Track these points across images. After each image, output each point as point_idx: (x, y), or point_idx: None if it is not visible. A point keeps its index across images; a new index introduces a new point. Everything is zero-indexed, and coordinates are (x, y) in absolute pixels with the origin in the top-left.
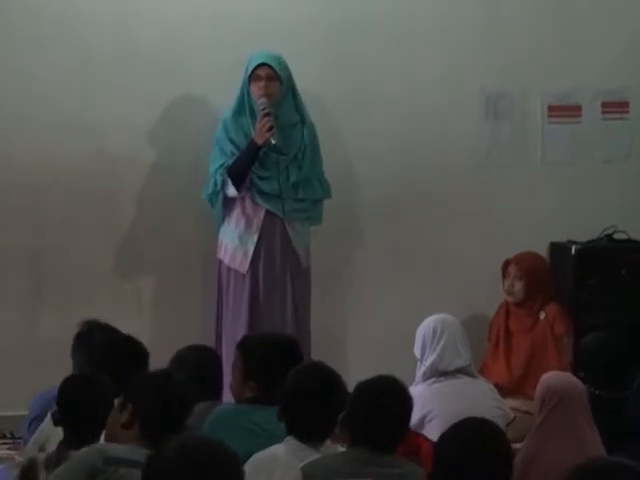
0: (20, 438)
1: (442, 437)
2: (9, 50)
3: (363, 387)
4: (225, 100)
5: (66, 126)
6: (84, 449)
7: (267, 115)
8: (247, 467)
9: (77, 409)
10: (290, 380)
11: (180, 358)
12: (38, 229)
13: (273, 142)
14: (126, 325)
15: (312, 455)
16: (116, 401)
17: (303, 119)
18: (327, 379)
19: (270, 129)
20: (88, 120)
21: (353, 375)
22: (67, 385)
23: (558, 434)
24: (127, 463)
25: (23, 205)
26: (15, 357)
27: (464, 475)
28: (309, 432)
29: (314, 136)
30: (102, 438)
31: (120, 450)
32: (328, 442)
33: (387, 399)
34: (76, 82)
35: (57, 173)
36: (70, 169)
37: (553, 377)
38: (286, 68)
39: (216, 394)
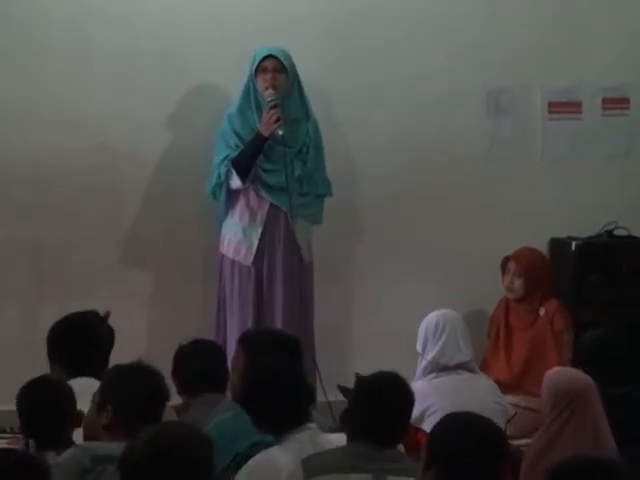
0: (21, 433)
1: (433, 431)
2: (11, 44)
3: (364, 382)
4: (227, 95)
5: (67, 121)
6: (70, 449)
7: (274, 107)
8: (244, 472)
9: (41, 415)
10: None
11: (184, 352)
12: (39, 224)
13: (280, 133)
14: (127, 320)
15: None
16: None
17: (308, 114)
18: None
19: (277, 120)
20: (89, 115)
21: (357, 369)
22: (25, 394)
23: (574, 427)
24: (115, 460)
25: (24, 200)
26: (15, 352)
27: (456, 468)
28: (275, 426)
29: (318, 132)
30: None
31: (107, 448)
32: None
33: (388, 394)
34: (77, 76)
35: (58, 168)
36: (71, 164)
37: (559, 374)
38: (292, 61)
39: (221, 387)
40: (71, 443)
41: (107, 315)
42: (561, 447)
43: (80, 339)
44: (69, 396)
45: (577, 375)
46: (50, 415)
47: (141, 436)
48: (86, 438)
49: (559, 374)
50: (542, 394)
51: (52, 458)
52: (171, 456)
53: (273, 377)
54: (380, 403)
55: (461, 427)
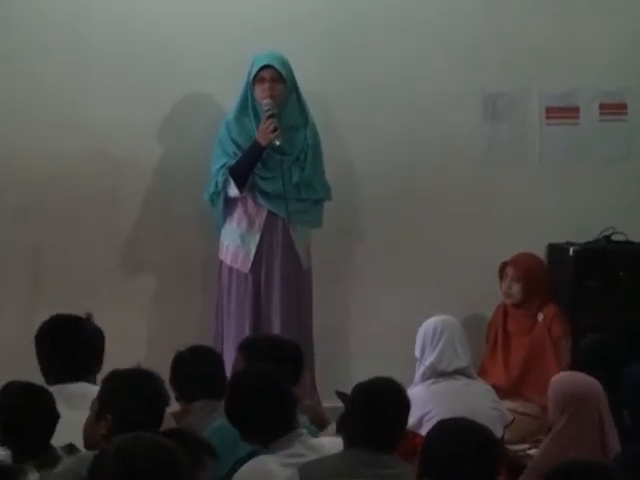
0: None
1: (428, 437)
2: (9, 48)
3: (360, 388)
4: (226, 99)
5: (66, 125)
6: (67, 460)
7: (272, 117)
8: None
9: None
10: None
11: (182, 359)
12: (38, 228)
13: (277, 143)
14: (126, 324)
15: (302, 459)
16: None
17: (306, 120)
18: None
19: (274, 130)
20: (88, 119)
21: (355, 374)
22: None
23: (581, 433)
24: None
25: (23, 204)
26: (14, 355)
27: (451, 475)
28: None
29: (317, 137)
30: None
31: None
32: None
33: (384, 400)
34: (76, 81)
35: (57, 172)
36: (70, 168)
37: (565, 379)
38: (290, 69)
39: (219, 394)
40: (51, 450)
41: (89, 317)
42: (570, 453)
43: (65, 339)
44: (49, 402)
45: (582, 379)
46: (29, 422)
47: (113, 442)
48: (87, 447)
49: (564, 379)
50: (548, 399)
51: (31, 469)
52: (139, 465)
53: (250, 385)
54: (377, 408)
55: (455, 434)
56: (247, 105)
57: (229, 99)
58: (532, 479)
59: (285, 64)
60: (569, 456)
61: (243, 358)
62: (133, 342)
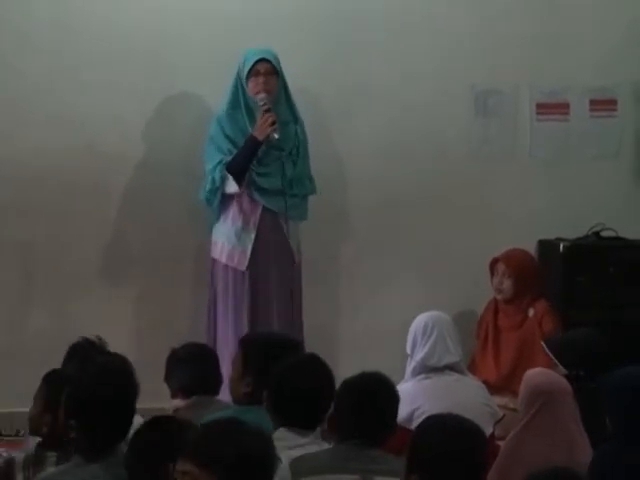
0: (9, 435)
1: (416, 434)
2: (1, 45)
3: (349, 383)
4: (216, 96)
5: (57, 122)
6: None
7: (268, 110)
8: None
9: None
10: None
11: (177, 356)
12: (28, 225)
13: (276, 137)
14: (117, 321)
15: (299, 451)
16: None
17: (296, 116)
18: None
19: (273, 124)
20: (79, 115)
21: (344, 371)
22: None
23: (546, 435)
24: None
25: (13, 199)
26: (5, 353)
27: (439, 472)
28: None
29: (305, 133)
30: None
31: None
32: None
33: (373, 394)
34: (67, 77)
35: (48, 168)
36: (61, 164)
37: (538, 376)
38: (280, 64)
39: (213, 390)
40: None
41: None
42: (536, 454)
43: None
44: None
45: (554, 379)
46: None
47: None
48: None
49: (537, 376)
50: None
51: (51, 458)
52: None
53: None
54: (365, 403)
55: (443, 430)
56: (238, 100)
57: (220, 97)
58: (499, 472)
59: (277, 58)
60: (533, 450)
61: (243, 355)
62: (124, 339)
